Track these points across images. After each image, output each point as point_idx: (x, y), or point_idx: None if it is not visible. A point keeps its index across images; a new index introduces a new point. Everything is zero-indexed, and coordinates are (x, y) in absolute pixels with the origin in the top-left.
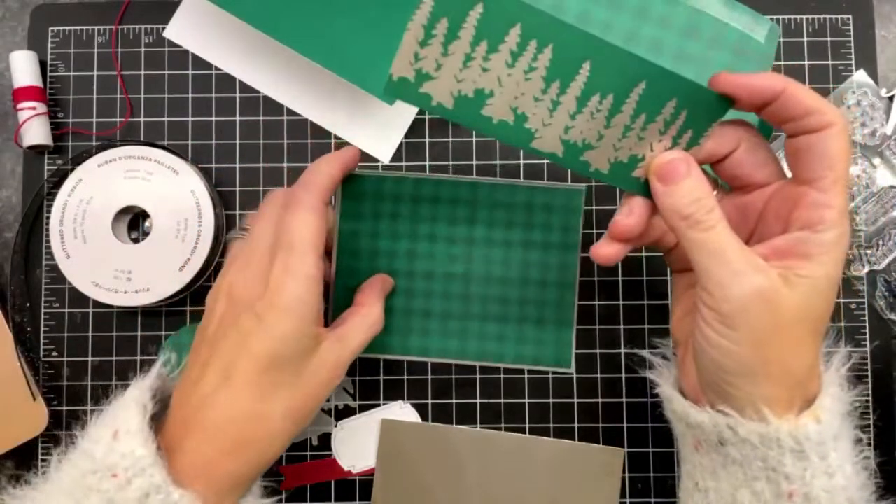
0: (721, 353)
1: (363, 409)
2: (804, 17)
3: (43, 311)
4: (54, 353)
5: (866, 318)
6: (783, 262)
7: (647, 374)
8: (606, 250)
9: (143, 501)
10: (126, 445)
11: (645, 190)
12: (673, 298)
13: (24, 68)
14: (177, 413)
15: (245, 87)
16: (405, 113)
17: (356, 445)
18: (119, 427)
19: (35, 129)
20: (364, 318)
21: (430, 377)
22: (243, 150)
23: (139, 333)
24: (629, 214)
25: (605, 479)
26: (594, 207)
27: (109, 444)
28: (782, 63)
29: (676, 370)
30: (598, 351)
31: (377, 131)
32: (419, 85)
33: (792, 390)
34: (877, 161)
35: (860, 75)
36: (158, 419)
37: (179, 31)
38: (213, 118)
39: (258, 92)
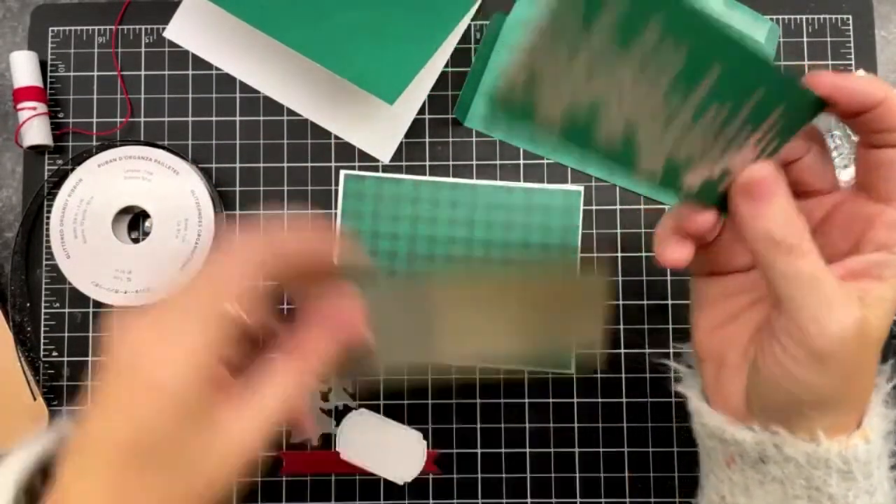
0: (803, 387)
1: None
2: (804, 17)
3: (43, 310)
4: (54, 353)
5: None
6: (858, 283)
7: (676, 387)
8: (679, 253)
9: None
10: None
11: (721, 205)
12: (696, 308)
13: (24, 68)
14: None
15: (245, 87)
16: (405, 113)
17: (362, 442)
18: None
19: (35, 129)
20: (292, 374)
21: (429, 377)
22: (243, 150)
23: None
24: (703, 214)
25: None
26: (593, 208)
27: None
28: (782, 63)
29: (701, 384)
30: (598, 351)
31: (377, 131)
32: (532, 93)
33: (857, 415)
34: None
35: (860, 75)
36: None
37: (179, 31)
38: (213, 118)
39: (258, 92)
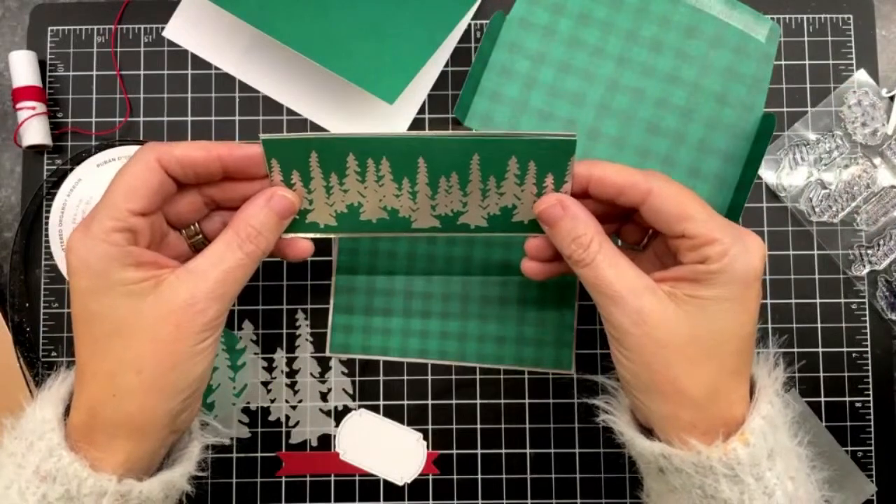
0: (622, 367)
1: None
2: (805, 16)
3: (42, 310)
4: (53, 354)
5: (867, 319)
6: (676, 283)
7: (595, 400)
8: (528, 265)
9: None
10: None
11: (530, 229)
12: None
13: (23, 68)
14: None
15: (244, 87)
16: (405, 112)
17: (362, 442)
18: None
19: (34, 129)
20: (228, 240)
21: (429, 377)
22: None
23: None
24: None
25: None
26: None
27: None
28: (783, 62)
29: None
30: (598, 351)
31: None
32: (304, 218)
33: (693, 412)
34: (877, 161)
35: (861, 75)
36: None
37: (178, 30)
38: (213, 118)
39: (257, 92)
